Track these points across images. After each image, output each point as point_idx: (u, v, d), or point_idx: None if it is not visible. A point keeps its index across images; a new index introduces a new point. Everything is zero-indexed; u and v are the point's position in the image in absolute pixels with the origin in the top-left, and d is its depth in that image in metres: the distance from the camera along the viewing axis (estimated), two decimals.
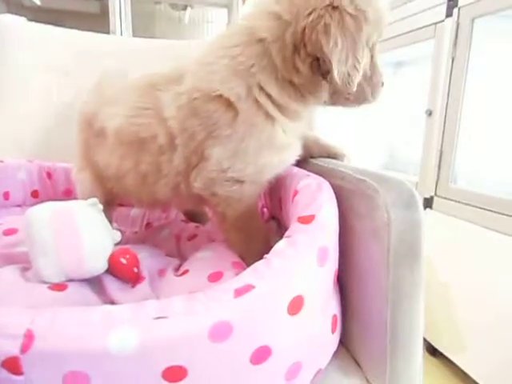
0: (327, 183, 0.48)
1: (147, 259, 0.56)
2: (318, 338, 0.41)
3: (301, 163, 0.61)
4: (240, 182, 0.51)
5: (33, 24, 1.00)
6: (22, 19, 1.54)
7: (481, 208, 1.08)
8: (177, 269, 0.54)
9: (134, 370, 0.32)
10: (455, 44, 1.22)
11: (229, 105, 0.49)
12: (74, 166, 0.74)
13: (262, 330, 0.35)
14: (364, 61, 0.47)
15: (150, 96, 0.57)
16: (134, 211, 0.91)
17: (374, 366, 0.45)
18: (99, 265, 0.48)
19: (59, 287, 0.45)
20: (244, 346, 0.34)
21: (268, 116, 0.49)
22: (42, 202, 0.79)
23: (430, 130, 1.34)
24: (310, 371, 0.41)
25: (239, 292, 0.34)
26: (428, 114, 1.35)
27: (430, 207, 1.30)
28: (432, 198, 1.30)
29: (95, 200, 0.51)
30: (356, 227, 0.46)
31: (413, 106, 1.64)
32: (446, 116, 1.27)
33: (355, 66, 0.46)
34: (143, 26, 1.96)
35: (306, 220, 0.41)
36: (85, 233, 0.47)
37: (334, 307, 0.45)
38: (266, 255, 0.39)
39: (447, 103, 1.26)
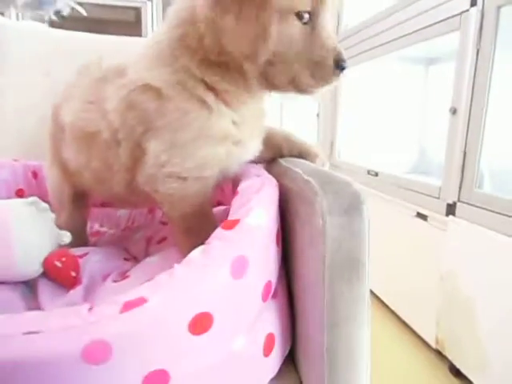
0: (273, 184, 0.42)
1: (97, 263, 0.53)
2: (242, 362, 0.36)
3: (268, 163, 0.56)
4: (181, 178, 0.47)
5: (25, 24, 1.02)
6: (44, 26, 1.60)
7: (508, 216, 0.96)
8: (123, 274, 0.51)
9: None
10: (480, 35, 1.11)
11: (158, 93, 0.45)
12: (46, 162, 0.73)
13: (153, 352, 0.30)
14: (272, 29, 0.40)
15: (98, 89, 0.54)
16: (121, 211, 0.90)
17: None
18: (32, 267, 0.46)
19: None
20: (129, 369, 0.30)
21: (203, 103, 0.45)
22: None
23: (454, 129, 1.22)
24: None
25: (128, 306, 0.30)
26: (452, 112, 1.24)
27: (453, 214, 1.19)
28: (455, 203, 1.19)
29: (35, 199, 0.49)
30: (299, 235, 0.40)
31: (443, 105, 1.52)
32: (470, 114, 1.15)
33: (257, 36, 0.40)
34: None
35: (230, 225, 0.36)
36: (17, 234, 0.45)
37: (268, 325, 0.39)
38: (176, 264, 0.34)
39: (471, 100, 1.14)
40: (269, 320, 0.39)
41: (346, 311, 0.34)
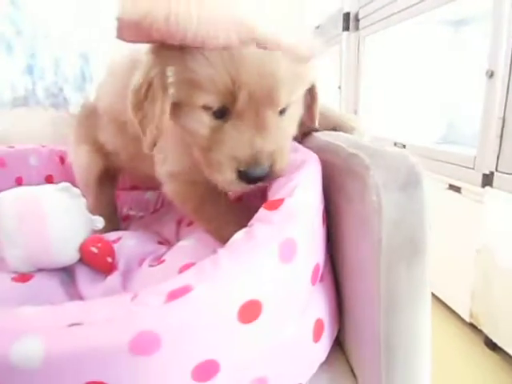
0: (314, 160, 0.39)
1: (132, 248, 0.52)
2: (292, 349, 0.34)
3: (301, 137, 0.52)
4: (180, 179, 0.48)
5: None
6: None
7: None
8: (158, 258, 0.49)
9: None
10: None
11: None
12: (71, 146, 0.73)
13: (203, 342, 0.29)
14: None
15: (127, 77, 0.52)
16: (149, 194, 0.89)
17: (368, 379, 0.36)
18: (69, 254, 0.45)
19: (23, 278, 0.43)
20: (179, 360, 0.28)
21: None
22: None
23: (491, 94, 1.13)
24: None
25: (173, 295, 0.28)
26: (489, 75, 1.15)
27: (490, 185, 1.12)
28: (492, 173, 1.12)
29: (67, 184, 0.48)
30: (346, 213, 0.37)
31: (475, 70, 1.42)
32: (510, 77, 1.07)
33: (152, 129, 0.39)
34: None
35: (273, 205, 0.33)
36: (51, 220, 0.44)
37: (317, 310, 0.37)
38: (218, 249, 0.32)
39: (511, 62, 1.06)
40: (317, 305, 0.37)
41: (405, 297, 0.31)
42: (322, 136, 0.49)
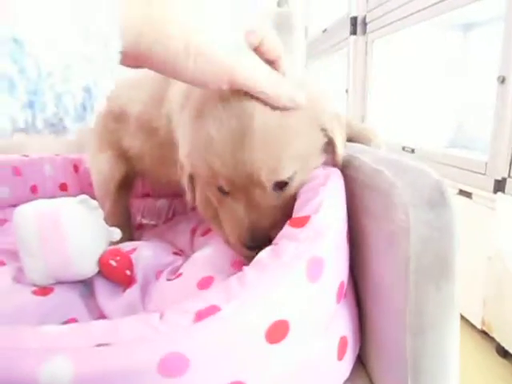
0: (338, 175, 0.39)
1: (148, 259, 0.52)
2: (317, 368, 0.33)
3: None
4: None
5: None
6: None
7: None
8: (175, 271, 0.49)
9: None
10: None
11: None
12: (90, 151, 0.74)
13: (231, 363, 0.28)
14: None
15: (161, 88, 0.54)
16: (161, 202, 0.89)
17: None
18: (88, 267, 0.45)
19: (44, 291, 0.43)
20: (207, 382, 0.28)
21: None
22: (70, 194, 0.80)
23: (503, 99, 1.12)
24: None
25: (201, 315, 0.28)
26: (500, 81, 1.14)
27: (502, 191, 1.11)
28: (505, 180, 1.11)
29: (85, 197, 0.48)
30: (371, 231, 0.36)
31: (485, 74, 1.41)
32: None
33: None
34: None
35: (299, 223, 0.33)
36: (71, 234, 0.44)
37: (341, 327, 0.36)
38: (244, 267, 0.32)
39: None
40: (341, 322, 0.36)
41: (433, 317, 0.31)
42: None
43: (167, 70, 0.32)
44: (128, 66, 0.32)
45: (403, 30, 1.58)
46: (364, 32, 1.86)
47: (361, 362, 0.41)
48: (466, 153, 1.43)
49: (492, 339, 1.12)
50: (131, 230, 0.75)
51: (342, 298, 0.35)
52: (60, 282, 0.45)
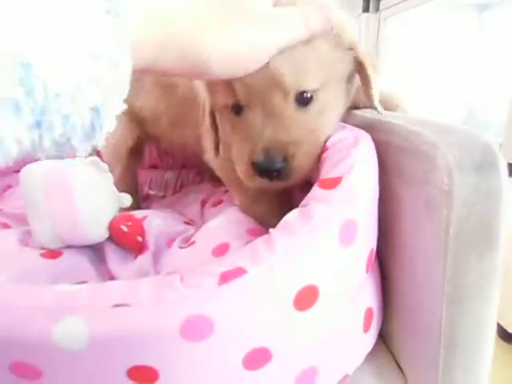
0: (368, 137, 0.36)
1: (159, 227, 0.49)
2: (343, 339, 0.32)
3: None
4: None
5: None
6: None
7: None
8: (188, 239, 0.47)
9: (91, 367, 0.25)
10: None
11: None
12: None
13: (255, 329, 0.26)
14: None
15: None
16: (168, 174, 0.86)
17: (421, 375, 0.34)
18: (98, 232, 0.43)
19: (52, 254, 0.41)
20: (231, 347, 0.26)
21: None
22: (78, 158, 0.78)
23: None
24: (330, 378, 0.32)
25: (225, 277, 0.26)
26: None
27: None
28: None
29: (96, 159, 0.45)
30: (404, 196, 0.34)
31: (499, 56, 1.36)
32: None
33: None
34: None
35: (330, 184, 0.30)
36: (80, 196, 0.41)
37: (368, 299, 0.34)
38: (271, 229, 0.29)
39: None
40: (368, 293, 0.34)
41: (473, 287, 0.29)
42: (365, 113, 0.45)
43: (193, 74, 0.31)
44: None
45: (417, 9, 1.52)
46: (377, 9, 1.80)
47: (381, 336, 0.39)
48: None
49: (497, 324, 1.12)
50: (139, 200, 0.73)
51: (370, 266, 0.33)
52: (69, 246, 0.43)
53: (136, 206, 0.70)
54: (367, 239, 0.31)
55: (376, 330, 0.36)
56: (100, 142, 0.25)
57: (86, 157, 0.45)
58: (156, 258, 0.43)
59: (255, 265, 0.26)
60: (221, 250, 0.40)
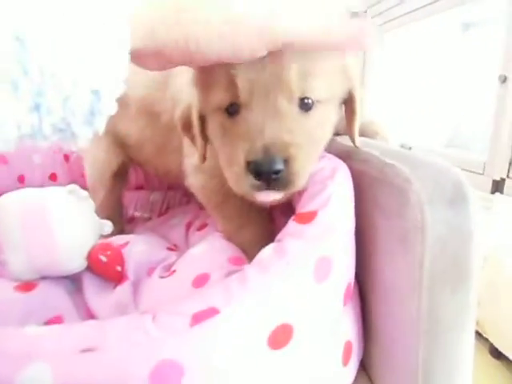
0: (345, 168, 0.36)
1: (140, 254, 0.49)
2: (322, 373, 0.31)
3: None
4: (203, 172, 0.47)
5: None
6: None
7: None
8: (169, 267, 0.47)
9: None
10: None
11: None
12: None
13: (229, 372, 0.26)
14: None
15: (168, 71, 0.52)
16: (154, 195, 0.86)
17: None
18: (76, 263, 0.42)
19: (27, 287, 0.40)
20: None
21: None
22: (60, 185, 0.77)
23: (504, 99, 1.11)
24: None
25: (197, 318, 0.25)
26: (502, 80, 1.12)
27: (501, 191, 1.10)
28: (503, 180, 1.10)
29: (75, 186, 0.45)
30: (380, 227, 0.34)
31: (482, 73, 1.39)
32: None
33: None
34: None
35: (305, 218, 0.30)
36: (58, 225, 0.41)
37: (347, 332, 0.34)
38: (245, 265, 0.29)
39: None
40: (346, 326, 0.34)
41: (448, 322, 0.28)
42: (345, 141, 0.46)
43: (195, 58, 0.30)
44: (155, 68, 0.31)
45: (404, 27, 1.56)
46: None
47: (363, 368, 0.38)
48: (464, 153, 1.42)
49: (486, 340, 1.12)
50: (122, 223, 0.72)
51: (348, 299, 0.33)
52: (45, 277, 0.42)
53: (120, 229, 0.69)
54: (343, 273, 0.31)
55: (356, 363, 0.36)
56: (100, 127, 0.24)
57: (65, 184, 0.45)
58: (135, 288, 0.43)
59: (227, 304, 0.26)
60: (201, 281, 0.40)
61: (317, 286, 0.28)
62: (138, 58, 0.28)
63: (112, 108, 0.24)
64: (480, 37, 1.49)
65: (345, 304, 0.32)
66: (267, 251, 0.29)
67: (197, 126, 0.41)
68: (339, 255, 0.30)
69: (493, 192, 1.13)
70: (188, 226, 0.65)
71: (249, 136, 0.33)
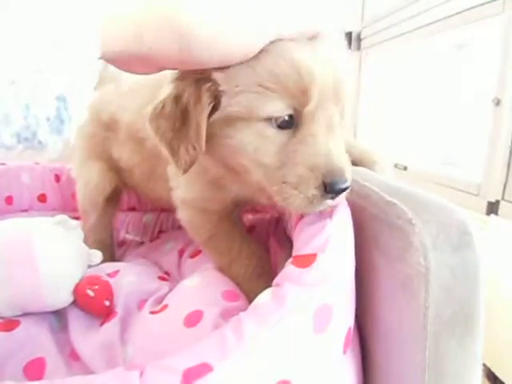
0: (344, 206, 0.35)
1: (130, 286, 0.47)
2: None
3: None
4: (191, 206, 0.46)
5: None
6: None
7: None
8: (160, 300, 0.45)
9: None
10: None
11: None
12: (76, 162, 0.69)
13: None
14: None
15: (153, 93, 0.50)
16: (147, 217, 0.84)
17: None
18: (61, 298, 0.40)
19: (8, 325, 0.38)
20: None
21: None
22: (49, 207, 0.75)
23: (498, 121, 1.12)
24: None
25: (189, 376, 0.23)
26: (495, 103, 1.13)
27: (496, 213, 1.10)
28: (498, 202, 1.10)
29: (64, 217, 0.43)
30: (382, 270, 0.33)
31: (476, 95, 1.41)
32: None
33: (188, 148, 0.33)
34: None
35: (304, 262, 0.29)
36: (43, 261, 0.39)
37: (346, 380, 0.32)
38: (241, 313, 0.27)
39: None
40: (346, 374, 0.32)
41: (454, 375, 0.27)
42: None
43: (185, 62, 0.29)
44: (142, 73, 0.30)
45: (398, 48, 1.58)
46: (358, 48, 1.86)
47: None
48: (459, 174, 1.42)
49: (482, 365, 1.10)
50: (113, 247, 0.70)
51: (348, 347, 0.31)
52: (28, 314, 0.40)
53: (111, 253, 0.68)
54: (344, 320, 0.30)
55: None
56: (71, 136, 0.23)
57: (54, 208, 0.43)
58: (124, 325, 0.41)
59: (222, 359, 0.24)
60: (193, 320, 0.38)
61: (316, 337, 0.26)
62: (124, 62, 0.27)
63: (83, 116, 0.24)
64: (474, 58, 1.51)
65: (344, 352, 0.30)
66: (265, 297, 0.28)
67: (195, 119, 0.33)
68: (339, 301, 0.28)
69: (488, 213, 1.12)
70: (181, 253, 0.63)
71: (318, 153, 0.32)
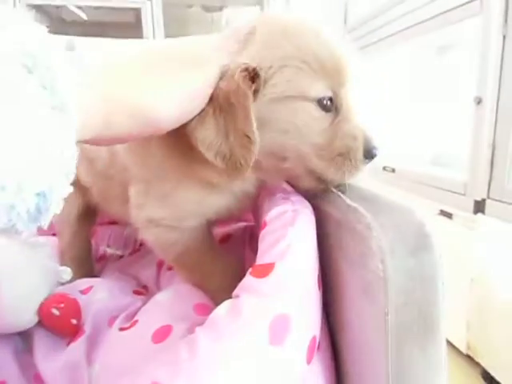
0: (308, 211, 0.35)
1: (101, 303, 0.46)
2: None
3: None
4: (161, 225, 0.43)
5: None
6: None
7: None
8: (132, 316, 0.44)
9: None
10: (506, 19, 1.02)
11: None
12: None
13: None
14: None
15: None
16: (129, 229, 0.83)
17: None
18: (26, 318, 0.39)
19: None
20: None
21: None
22: None
23: (480, 121, 1.13)
24: None
25: None
26: (477, 102, 1.14)
27: (482, 212, 1.10)
28: (484, 200, 1.10)
29: (30, 236, 0.42)
30: (345, 275, 0.32)
31: (460, 94, 1.42)
32: (498, 104, 1.07)
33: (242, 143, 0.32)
34: (176, 31, 2.03)
35: (262, 272, 0.28)
36: (5, 280, 0.38)
37: None
38: (197, 327, 0.27)
39: (499, 89, 1.06)
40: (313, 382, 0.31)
41: (418, 376, 0.26)
42: None
43: (145, 133, 0.30)
44: (105, 145, 0.33)
45: (383, 51, 1.60)
46: None
47: None
48: (446, 173, 1.43)
49: (477, 364, 1.09)
50: (91, 263, 0.69)
51: (313, 356, 0.30)
52: None
53: (88, 268, 0.66)
54: (306, 329, 0.29)
55: None
56: (46, 223, 0.23)
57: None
58: (91, 343, 0.39)
59: (174, 377, 0.23)
60: (162, 335, 0.37)
61: (273, 348, 0.26)
62: (91, 142, 0.28)
63: (59, 206, 0.24)
64: (457, 59, 1.53)
65: (309, 362, 0.29)
66: (221, 310, 0.27)
67: (250, 103, 0.31)
68: (298, 311, 0.28)
69: (475, 212, 1.13)
70: (160, 266, 0.62)
71: (355, 128, 0.37)
